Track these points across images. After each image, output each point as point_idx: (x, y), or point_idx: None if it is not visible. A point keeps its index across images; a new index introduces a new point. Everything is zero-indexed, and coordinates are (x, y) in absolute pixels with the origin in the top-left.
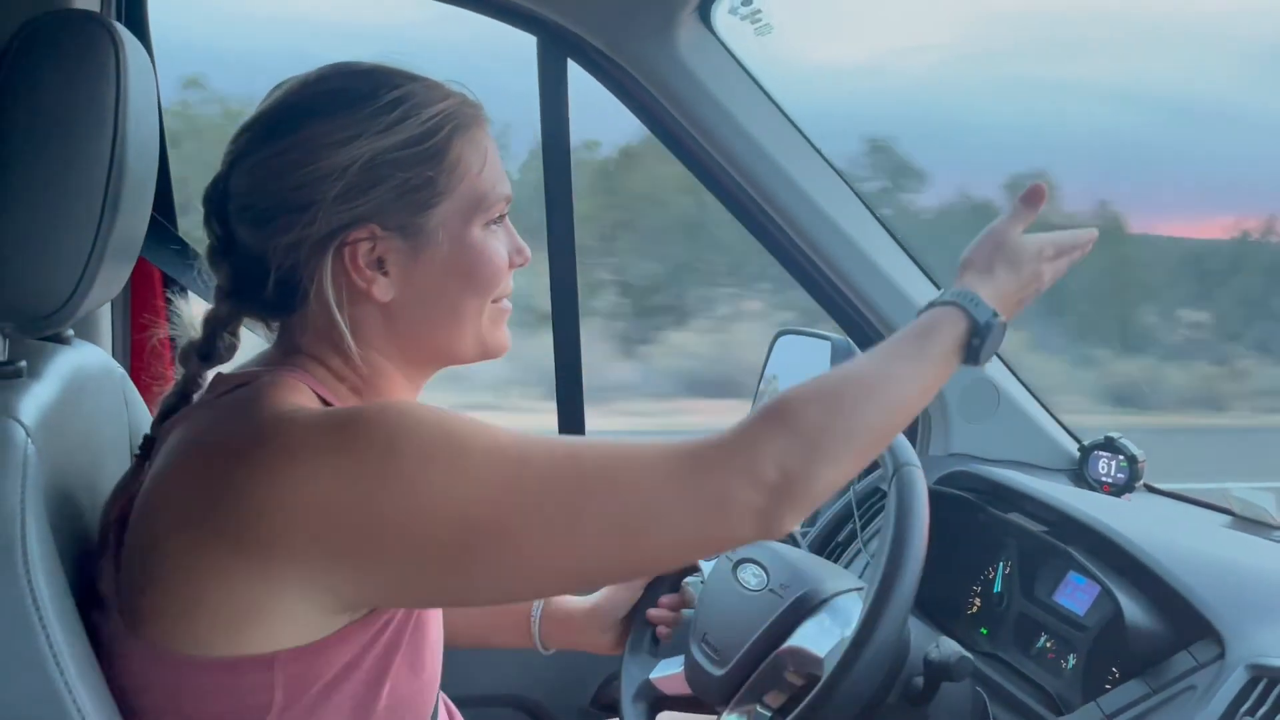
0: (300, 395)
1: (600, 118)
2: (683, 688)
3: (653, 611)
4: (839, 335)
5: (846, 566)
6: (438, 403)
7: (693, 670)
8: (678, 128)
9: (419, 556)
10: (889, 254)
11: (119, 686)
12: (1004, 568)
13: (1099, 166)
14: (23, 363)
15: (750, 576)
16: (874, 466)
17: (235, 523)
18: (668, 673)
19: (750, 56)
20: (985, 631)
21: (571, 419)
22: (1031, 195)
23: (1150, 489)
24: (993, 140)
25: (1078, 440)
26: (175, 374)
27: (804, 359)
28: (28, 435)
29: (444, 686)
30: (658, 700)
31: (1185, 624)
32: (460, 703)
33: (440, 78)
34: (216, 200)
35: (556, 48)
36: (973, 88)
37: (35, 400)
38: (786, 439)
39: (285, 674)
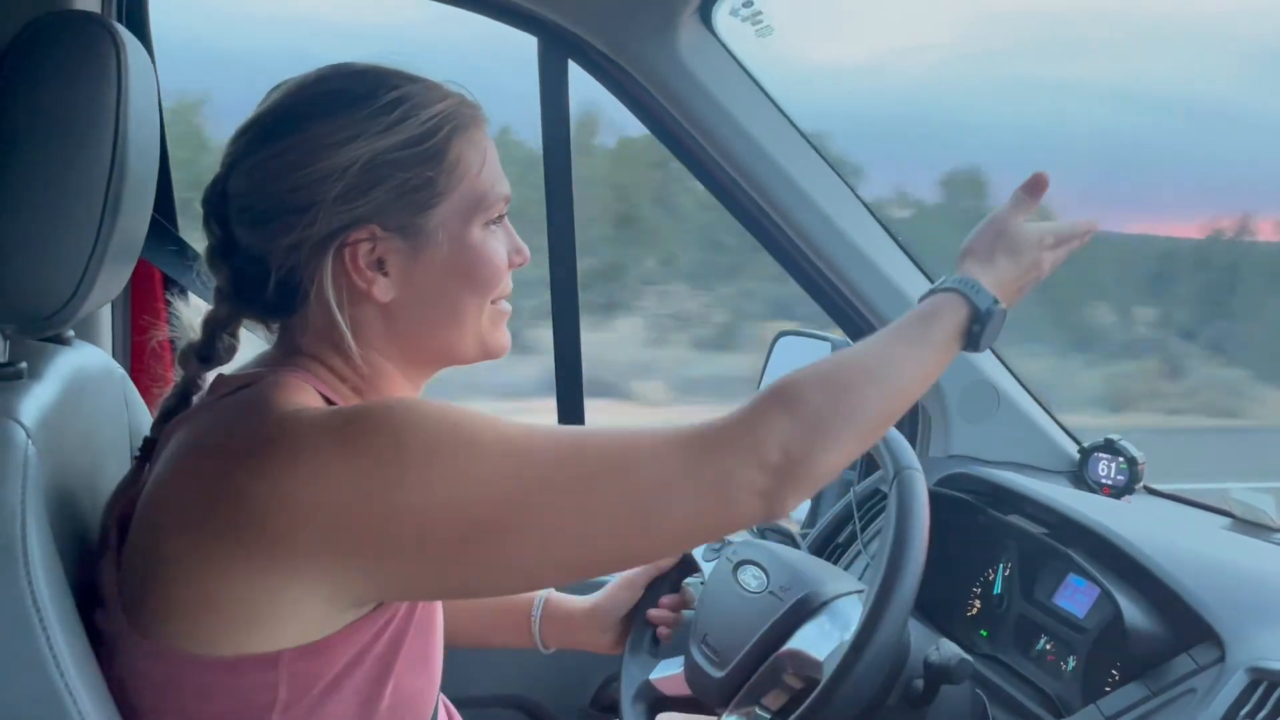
0: (304, 395)
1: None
2: (682, 689)
3: (653, 612)
4: (839, 336)
5: (846, 568)
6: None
7: (692, 671)
8: (678, 129)
9: (428, 550)
10: (889, 255)
11: (120, 687)
12: (1004, 570)
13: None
14: (23, 364)
15: (750, 578)
16: (875, 467)
17: (243, 522)
18: (668, 673)
19: (751, 57)
20: (985, 633)
21: (571, 417)
22: (1033, 185)
23: (1150, 491)
24: (993, 140)
25: (1078, 442)
26: (175, 376)
27: (804, 360)
28: (28, 436)
29: (443, 687)
30: (657, 701)
31: (1185, 627)
32: (460, 703)
33: (439, 78)
34: (216, 202)
35: (557, 49)
36: (973, 88)
37: (36, 401)
38: (789, 421)
39: (289, 672)
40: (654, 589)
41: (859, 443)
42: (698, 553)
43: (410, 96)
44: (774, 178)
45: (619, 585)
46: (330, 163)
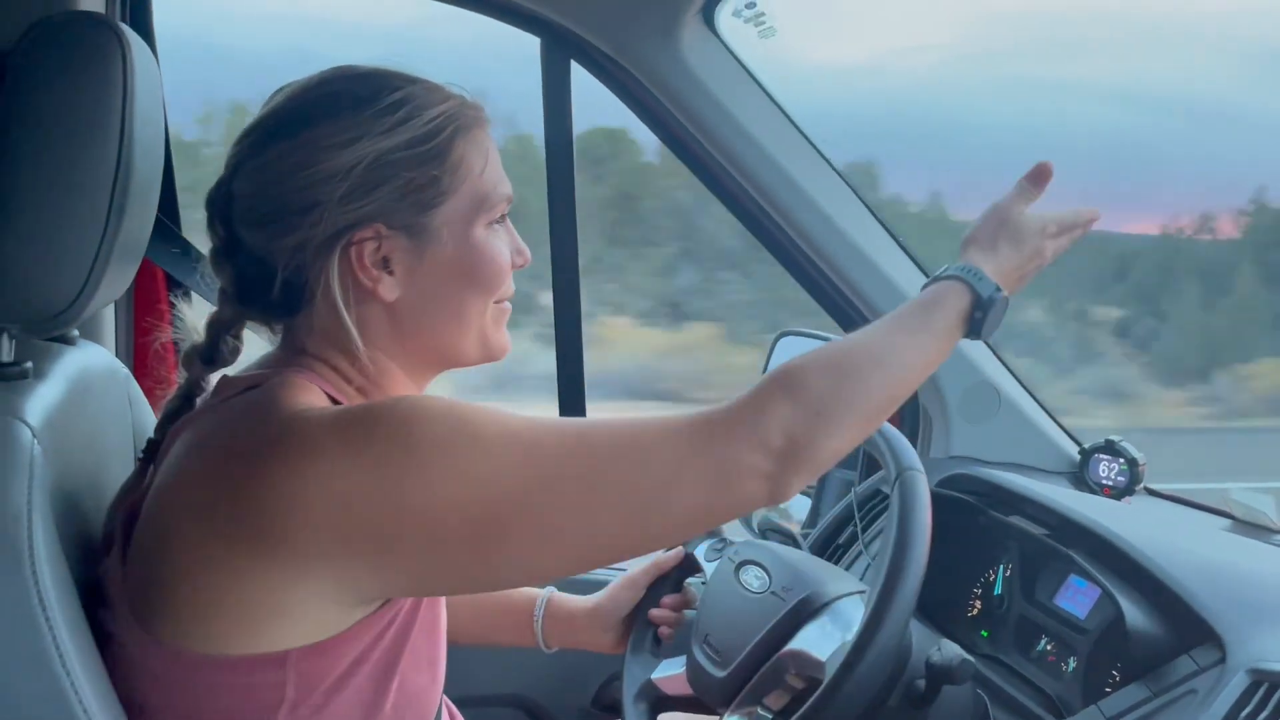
0: (311, 395)
1: None
2: (684, 688)
3: (655, 612)
4: (840, 336)
5: (847, 569)
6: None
7: (694, 671)
8: (680, 129)
9: (439, 545)
10: (891, 256)
11: (125, 686)
12: (1004, 570)
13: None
14: (29, 363)
15: (752, 578)
16: (876, 468)
17: (253, 523)
18: (669, 673)
19: (752, 57)
20: (986, 634)
21: (573, 414)
22: (1037, 174)
23: (1151, 492)
24: (993, 140)
25: (1078, 443)
26: (179, 377)
27: None
28: (34, 436)
29: (445, 686)
30: (659, 700)
31: (1186, 628)
32: (461, 702)
33: (440, 79)
34: (220, 203)
35: (560, 49)
36: (973, 88)
37: (41, 401)
38: (792, 406)
39: (296, 672)
40: (656, 589)
41: (861, 428)
42: (700, 553)
43: (413, 97)
44: (776, 178)
45: (621, 585)
46: (335, 163)
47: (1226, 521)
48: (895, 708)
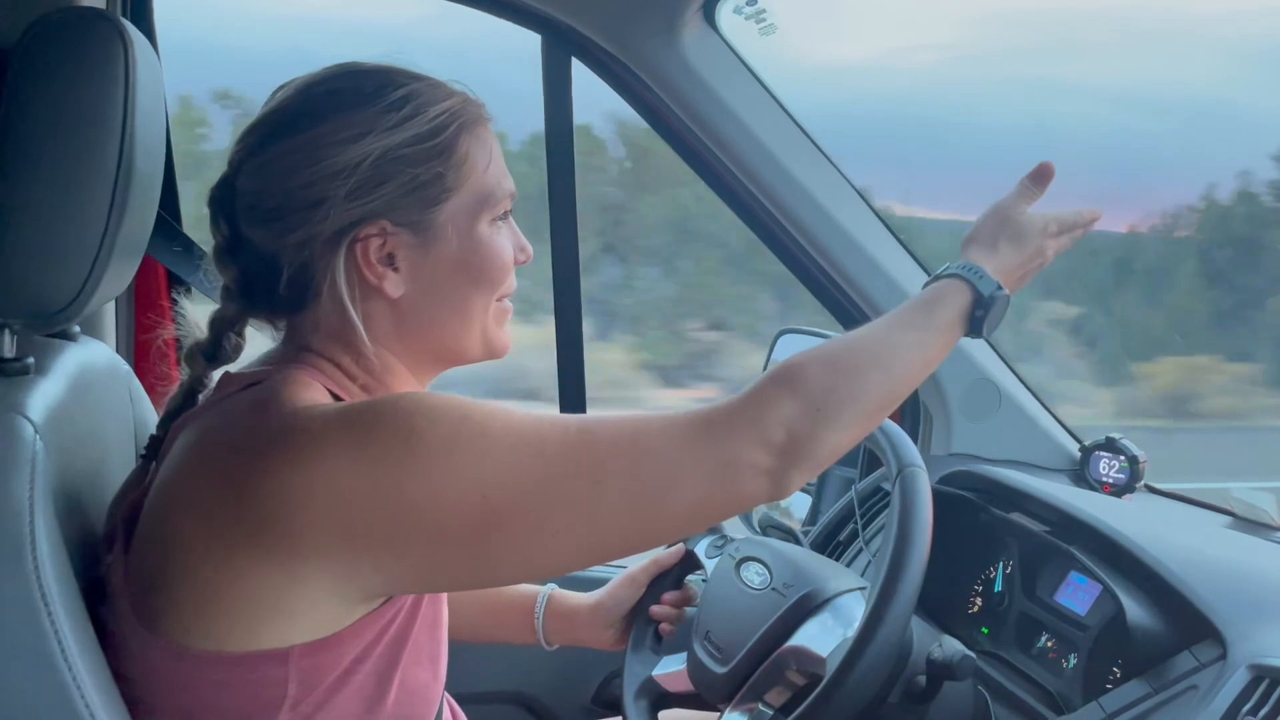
0: (314, 392)
1: None
2: (685, 685)
3: (656, 608)
4: (841, 333)
5: (848, 565)
6: None
7: (695, 668)
8: (681, 126)
9: (440, 542)
10: (892, 254)
11: (127, 682)
12: (1005, 567)
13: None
14: (30, 359)
15: (753, 575)
16: (876, 465)
17: (254, 519)
18: (670, 670)
19: (753, 56)
20: (986, 631)
21: (573, 412)
22: (1039, 174)
23: (1151, 489)
24: (993, 140)
25: (1079, 440)
26: (180, 374)
27: None
28: (36, 432)
29: (446, 683)
30: (660, 697)
31: (1187, 624)
32: (462, 699)
33: (443, 77)
34: (224, 200)
35: (561, 47)
36: (973, 88)
37: (43, 397)
38: (793, 402)
39: (299, 668)
40: (656, 586)
41: (862, 424)
42: (700, 549)
43: (418, 94)
44: (776, 175)
45: (621, 582)
46: (341, 159)
47: (1227, 519)
48: (896, 704)
